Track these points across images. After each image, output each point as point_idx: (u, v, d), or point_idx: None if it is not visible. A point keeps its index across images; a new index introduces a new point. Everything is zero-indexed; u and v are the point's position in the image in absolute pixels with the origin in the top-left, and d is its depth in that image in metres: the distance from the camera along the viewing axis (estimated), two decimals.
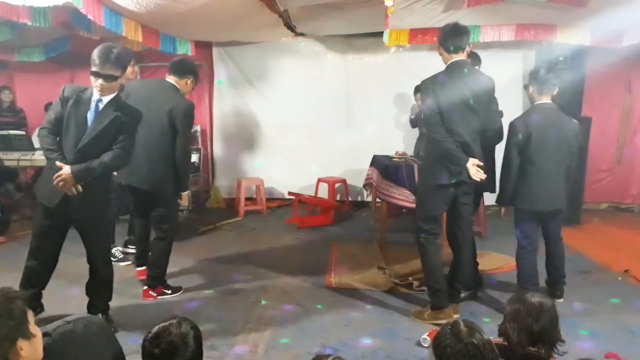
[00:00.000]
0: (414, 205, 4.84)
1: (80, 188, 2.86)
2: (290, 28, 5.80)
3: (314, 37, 6.68)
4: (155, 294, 3.76)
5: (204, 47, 6.70)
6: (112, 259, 4.33)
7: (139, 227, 4.06)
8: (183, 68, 3.72)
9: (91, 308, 3.22)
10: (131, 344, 2.70)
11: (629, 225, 5.98)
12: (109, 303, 3.29)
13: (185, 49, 5.58)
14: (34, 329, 1.46)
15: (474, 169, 3.12)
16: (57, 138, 2.93)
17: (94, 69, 2.85)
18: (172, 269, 4.43)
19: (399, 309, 3.59)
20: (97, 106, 2.92)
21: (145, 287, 3.78)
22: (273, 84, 6.96)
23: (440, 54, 3.24)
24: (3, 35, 4.71)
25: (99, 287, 3.24)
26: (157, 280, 3.79)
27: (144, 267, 4.03)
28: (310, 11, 5.25)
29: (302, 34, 6.41)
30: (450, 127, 3.13)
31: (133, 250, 4.46)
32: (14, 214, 5.84)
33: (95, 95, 2.92)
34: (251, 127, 7.12)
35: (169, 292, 3.83)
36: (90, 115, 2.91)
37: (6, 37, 4.73)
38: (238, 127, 7.11)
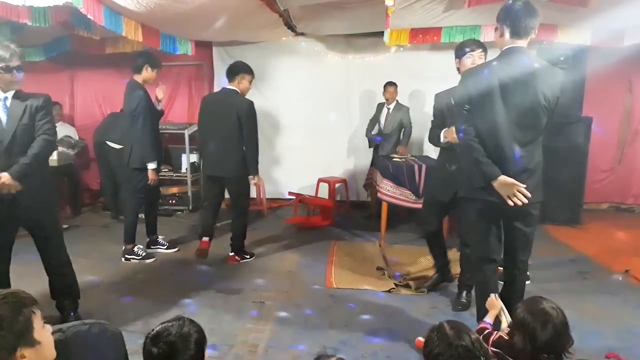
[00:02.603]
0: (414, 206, 4.86)
1: (18, 185, 2.86)
2: (291, 28, 5.80)
3: (314, 37, 6.68)
4: (238, 259, 4.63)
5: (204, 46, 6.69)
6: (135, 257, 4.58)
7: (209, 214, 4.73)
8: (232, 72, 4.43)
9: (60, 309, 3.23)
10: (130, 344, 2.70)
11: (629, 226, 5.97)
12: (78, 299, 3.31)
13: (186, 49, 5.57)
14: (40, 334, 1.43)
15: (507, 190, 2.49)
16: None
17: (3, 64, 2.86)
18: (173, 268, 4.45)
19: (399, 309, 3.59)
20: (5, 104, 2.94)
21: (231, 254, 4.64)
22: (273, 83, 6.96)
23: (501, 35, 2.62)
24: (3, 35, 4.69)
25: (59, 285, 3.22)
26: (239, 249, 4.65)
27: (207, 238, 4.69)
28: (311, 11, 5.25)
29: (302, 34, 6.41)
30: (480, 130, 2.57)
31: (163, 249, 4.90)
32: None
33: (0, 95, 2.94)
34: None
35: (248, 257, 4.71)
36: (1, 115, 2.92)
37: (6, 37, 4.71)
38: None
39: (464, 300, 3.60)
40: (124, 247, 4.61)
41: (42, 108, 3.00)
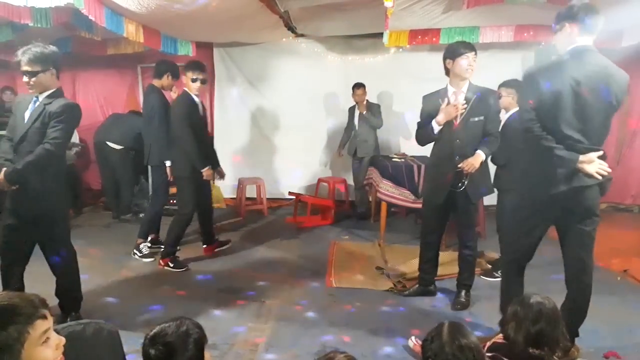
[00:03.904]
0: (413, 206, 4.89)
1: (12, 186, 2.90)
2: (291, 29, 5.82)
3: (314, 38, 6.70)
4: (162, 263, 4.42)
5: (205, 47, 6.71)
6: (138, 253, 4.66)
7: (198, 218, 4.71)
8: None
9: (62, 308, 3.28)
10: (132, 344, 2.72)
11: (628, 225, 5.98)
12: (80, 302, 3.35)
13: (186, 50, 5.59)
14: (34, 354, 1.26)
15: (594, 167, 2.47)
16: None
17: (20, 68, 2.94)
18: (172, 269, 4.47)
19: (398, 308, 3.61)
20: (33, 105, 3.02)
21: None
22: (273, 84, 6.98)
23: (569, 33, 2.58)
24: (4, 36, 4.72)
25: (63, 288, 3.26)
26: (166, 250, 4.44)
27: (204, 245, 4.80)
28: (311, 12, 5.26)
29: (302, 35, 6.43)
30: (551, 129, 2.55)
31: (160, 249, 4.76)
32: None
33: (33, 96, 3.02)
34: (252, 128, 7.14)
35: (172, 265, 4.39)
36: (27, 114, 3.00)
37: (8, 37, 4.73)
38: (238, 127, 7.12)
39: (463, 300, 3.62)
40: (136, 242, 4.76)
41: (56, 115, 2.94)
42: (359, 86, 6.06)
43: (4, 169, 2.88)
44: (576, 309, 2.71)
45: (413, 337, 3.00)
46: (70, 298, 3.29)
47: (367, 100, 6.12)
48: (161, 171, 4.65)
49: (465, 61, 3.34)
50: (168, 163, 4.59)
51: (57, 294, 3.27)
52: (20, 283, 3.14)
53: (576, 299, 2.72)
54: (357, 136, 6.16)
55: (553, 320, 1.85)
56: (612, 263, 4.54)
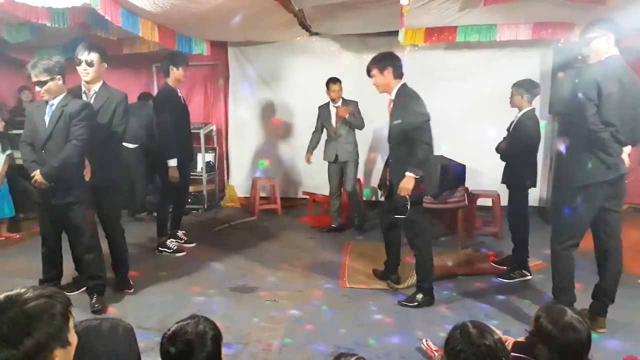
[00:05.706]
0: (427, 206, 4.82)
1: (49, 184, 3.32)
2: (305, 27, 5.80)
3: (328, 37, 6.67)
4: None
5: (220, 47, 6.73)
6: (166, 250, 4.77)
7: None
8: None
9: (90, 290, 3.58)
10: (146, 341, 2.74)
11: None
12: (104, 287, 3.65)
13: (201, 49, 5.61)
14: (72, 336, 1.38)
15: (626, 157, 3.02)
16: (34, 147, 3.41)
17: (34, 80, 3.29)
18: (187, 267, 4.48)
19: (413, 309, 3.58)
20: (51, 109, 3.35)
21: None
22: (288, 83, 6.97)
23: (610, 43, 3.00)
24: (22, 36, 4.78)
25: (88, 277, 3.58)
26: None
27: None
28: (325, 11, 5.25)
29: (316, 34, 6.40)
30: (607, 119, 2.92)
31: (168, 252, 4.82)
32: (31, 212, 5.91)
33: (45, 102, 3.37)
34: (266, 127, 7.14)
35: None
36: (47, 118, 3.35)
37: (26, 37, 4.80)
38: (253, 126, 7.13)
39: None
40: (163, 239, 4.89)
41: (76, 114, 3.32)
42: (335, 81, 5.50)
43: (37, 170, 3.28)
44: (614, 274, 3.21)
45: (424, 340, 2.97)
46: (93, 278, 3.56)
47: (342, 97, 5.57)
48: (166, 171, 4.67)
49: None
50: (173, 163, 4.58)
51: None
52: (59, 264, 3.66)
53: (605, 267, 3.22)
54: (337, 139, 5.59)
55: (588, 342, 1.80)
56: (633, 265, 4.44)
